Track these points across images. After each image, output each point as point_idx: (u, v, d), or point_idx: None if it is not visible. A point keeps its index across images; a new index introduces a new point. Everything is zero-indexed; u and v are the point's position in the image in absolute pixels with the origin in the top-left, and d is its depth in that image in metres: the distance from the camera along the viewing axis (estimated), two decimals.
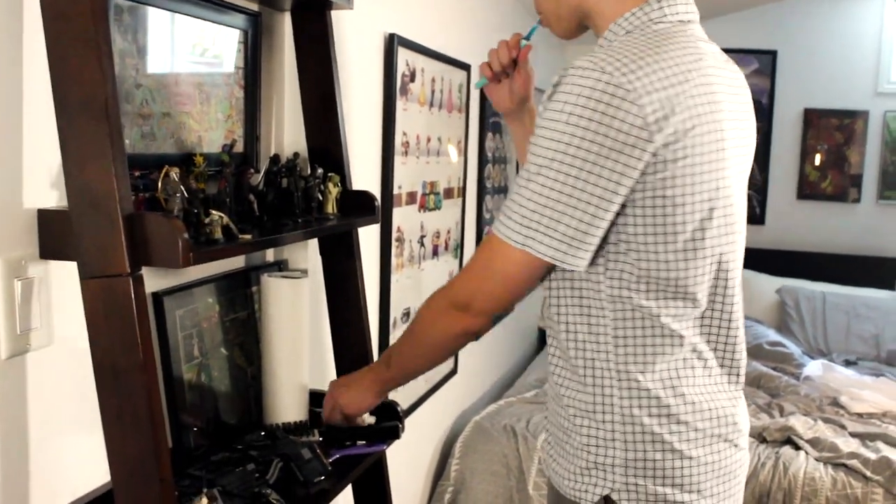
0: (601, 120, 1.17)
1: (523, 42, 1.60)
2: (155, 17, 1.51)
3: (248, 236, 1.41)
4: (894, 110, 5.53)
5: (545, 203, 1.22)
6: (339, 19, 1.98)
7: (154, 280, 1.53)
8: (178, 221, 1.21)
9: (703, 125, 1.22)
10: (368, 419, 1.80)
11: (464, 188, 3.07)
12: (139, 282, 1.20)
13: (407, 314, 2.48)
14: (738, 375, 1.39)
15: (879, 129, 5.56)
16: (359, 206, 1.85)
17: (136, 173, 1.34)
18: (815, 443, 3.23)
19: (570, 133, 1.18)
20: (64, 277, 1.31)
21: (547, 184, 1.21)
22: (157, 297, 1.55)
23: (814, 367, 4.33)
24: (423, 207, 2.64)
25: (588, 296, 1.31)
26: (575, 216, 1.21)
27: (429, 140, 2.67)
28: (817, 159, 5.60)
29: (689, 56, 1.25)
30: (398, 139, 2.40)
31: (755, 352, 4.48)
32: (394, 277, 2.41)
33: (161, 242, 1.20)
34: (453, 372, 3.20)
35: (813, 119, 5.59)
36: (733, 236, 1.33)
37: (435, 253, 2.70)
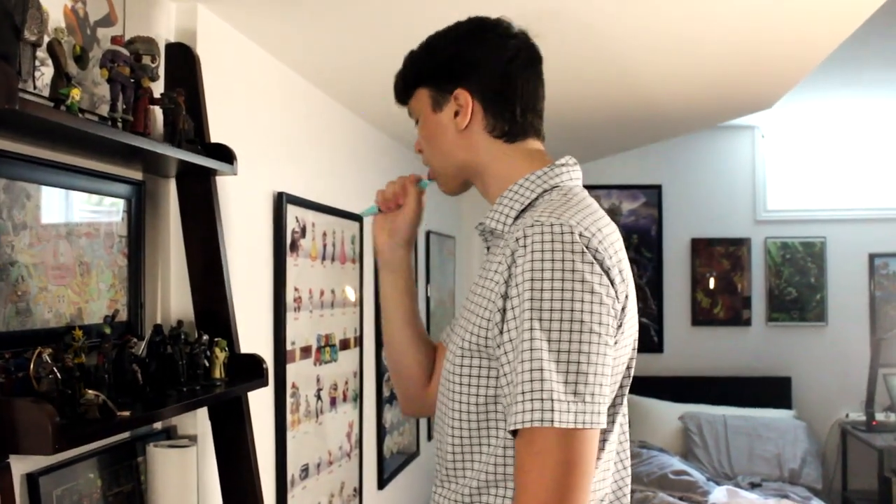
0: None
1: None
2: (33, 193, 1.51)
3: (127, 413, 1.38)
4: (774, 237, 5.83)
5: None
6: (227, 181, 2.00)
7: (29, 459, 1.47)
8: (48, 406, 1.18)
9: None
10: None
11: (360, 337, 3.08)
12: (6, 470, 1.16)
13: (305, 470, 2.42)
14: None
15: (762, 255, 5.84)
16: (247, 370, 1.84)
17: (7, 355, 1.31)
18: None
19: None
20: None
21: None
22: (32, 477, 1.48)
23: (719, 495, 4.38)
24: (319, 361, 2.63)
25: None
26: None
27: (322, 293, 2.68)
28: (708, 286, 5.83)
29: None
30: (290, 295, 2.41)
31: (661, 482, 4.52)
32: (290, 434, 2.36)
33: (30, 429, 1.17)
34: None
35: (700, 248, 5.84)
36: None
37: (333, 405, 2.67)
